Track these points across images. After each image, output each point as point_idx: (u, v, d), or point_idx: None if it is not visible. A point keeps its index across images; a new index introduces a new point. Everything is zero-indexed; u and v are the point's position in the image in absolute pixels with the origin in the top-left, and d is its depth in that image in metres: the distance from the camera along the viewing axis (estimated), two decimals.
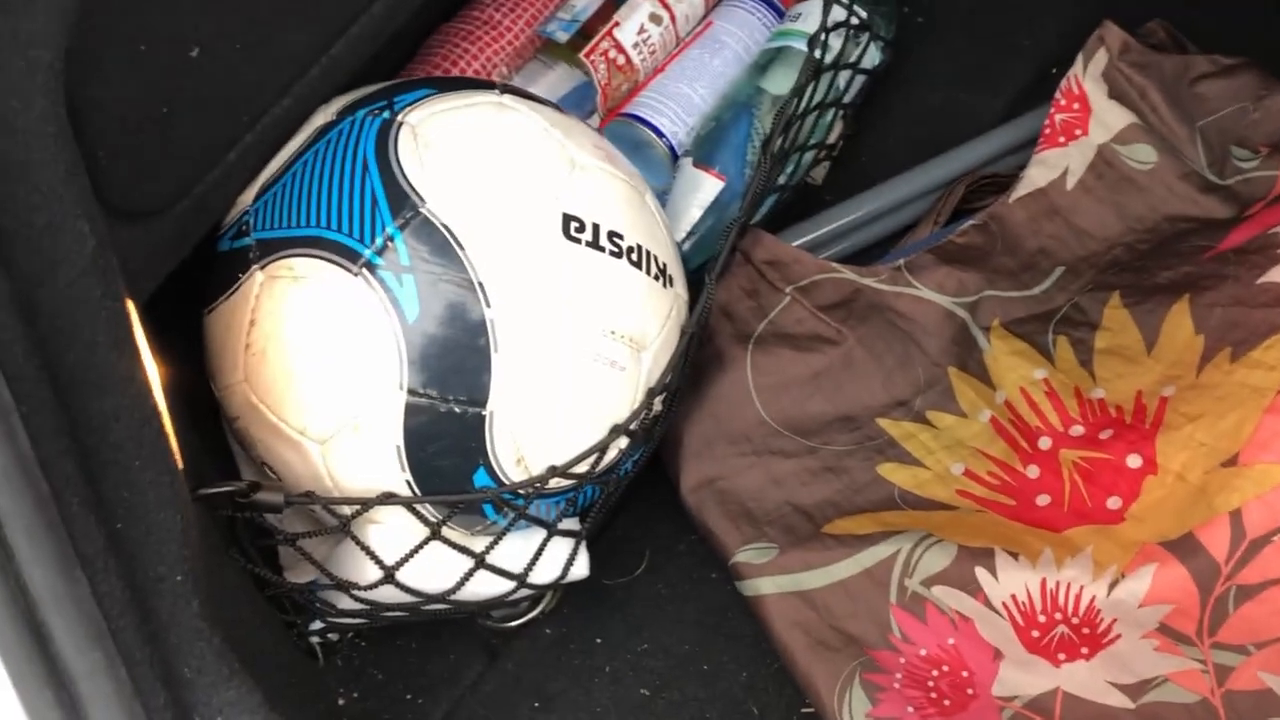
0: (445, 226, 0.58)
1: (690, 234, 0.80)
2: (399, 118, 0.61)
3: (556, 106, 0.67)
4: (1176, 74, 0.80)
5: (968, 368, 0.72)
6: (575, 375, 0.60)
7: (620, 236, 0.62)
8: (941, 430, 0.70)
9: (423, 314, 0.57)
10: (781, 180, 0.82)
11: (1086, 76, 0.79)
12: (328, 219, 0.58)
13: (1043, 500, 0.66)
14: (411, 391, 0.57)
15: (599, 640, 0.71)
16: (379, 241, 0.58)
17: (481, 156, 0.60)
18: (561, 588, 0.68)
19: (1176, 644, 0.59)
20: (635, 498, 0.73)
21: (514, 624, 0.71)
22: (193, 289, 0.65)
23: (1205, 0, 0.95)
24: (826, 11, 0.80)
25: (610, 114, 0.86)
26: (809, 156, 0.84)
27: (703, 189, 0.81)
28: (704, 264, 0.81)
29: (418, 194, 0.58)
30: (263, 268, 0.59)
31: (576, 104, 0.85)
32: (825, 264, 0.77)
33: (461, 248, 0.58)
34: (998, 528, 0.65)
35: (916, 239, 0.82)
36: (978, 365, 0.72)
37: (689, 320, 0.67)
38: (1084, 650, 0.61)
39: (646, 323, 0.63)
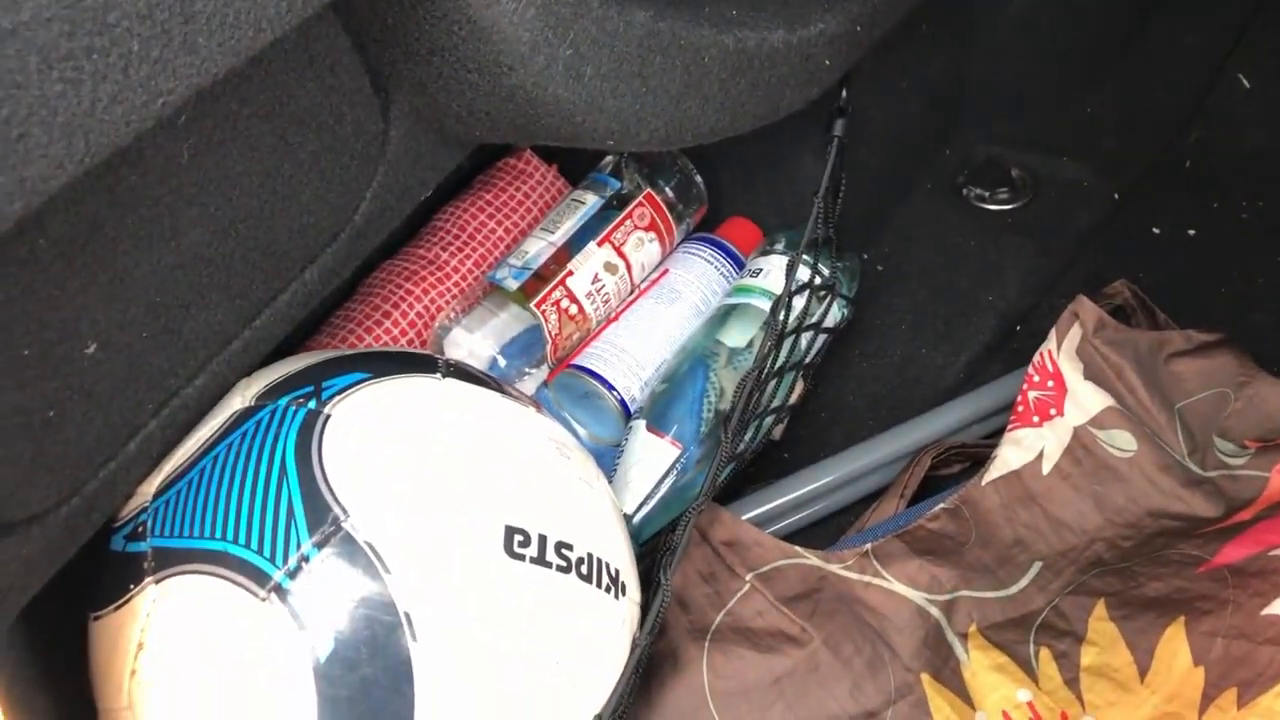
0: (369, 545, 0.49)
1: (642, 505, 0.73)
2: (326, 409, 0.53)
3: (501, 386, 0.59)
4: (1152, 351, 0.75)
5: (942, 677, 0.64)
6: (513, 718, 0.51)
7: (570, 547, 0.53)
8: None
9: (338, 649, 0.48)
10: (740, 448, 0.75)
11: (1061, 354, 0.73)
12: (235, 531, 0.50)
13: None
14: None
15: None
16: (292, 561, 0.49)
17: (417, 462, 0.52)
18: None
19: None
20: None
21: None
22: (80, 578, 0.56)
23: (1164, 256, 0.92)
24: (791, 275, 0.74)
25: (561, 364, 0.79)
26: (769, 420, 0.78)
27: (657, 457, 0.73)
28: (653, 536, 0.73)
29: (341, 505, 0.50)
30: (158, 582, 0.50)
31: (525, 347, 0.78)
32: (788, 548, 0.69)
33: (387, 571, 0.49)
34: None
35: (882, 516, 0.74)
36: (954, 677, 0.64)
37: (640, 631, 0.58)
38: None
39: (594, 644, 0.54)
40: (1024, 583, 0.67)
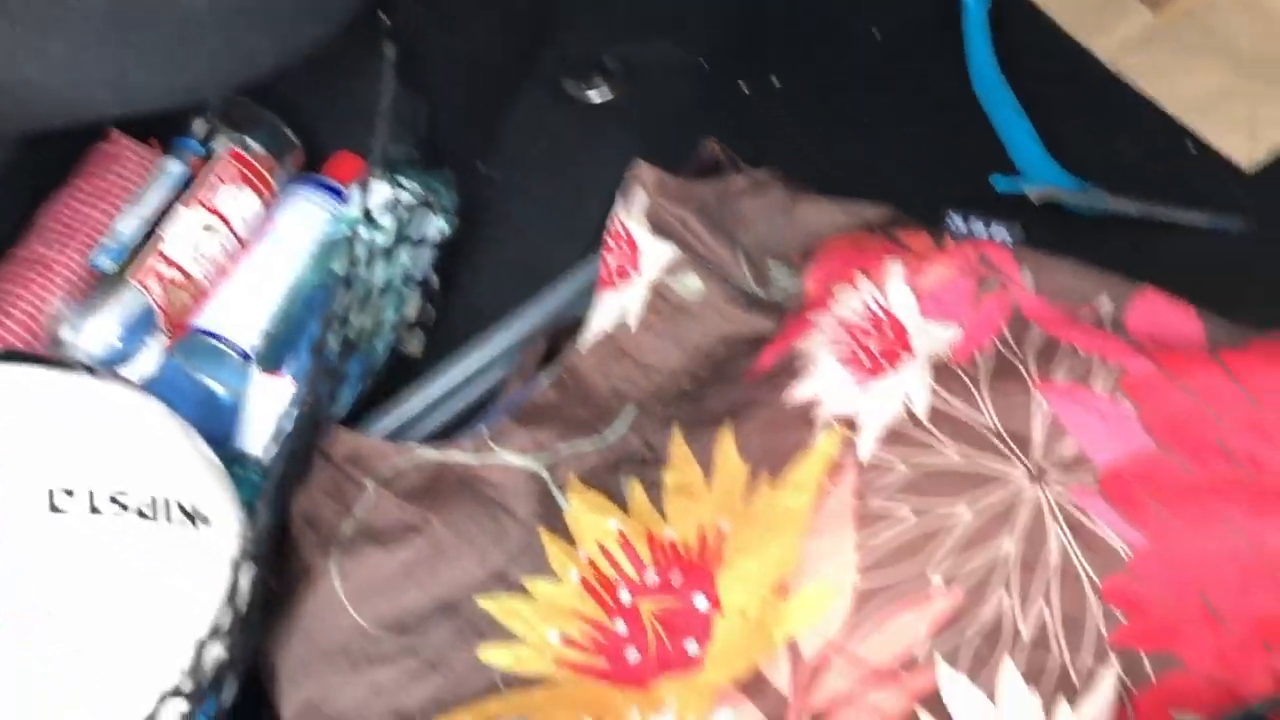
0: None
1: (272, 443, 0.74)
2: None
3: (58, 360, 0.60)
4: (719, 197, 0.79)
5: (554, 528, 0.68)
6: (81, 654, 0.52)
7: (125, 494, 0.55)
8: (539, 599, 0.66)
9: None
10: (359, 369, 0.77)
11: (630, 218, 0.77)
12: None
13: (633, 656, 0.62)
14: None
15: None
16: None
17: None
18: None
19: None
20: None
21: None
22: None
23: (755, 112, 0.97)
24: (365, 196, 0.76)
25: (178, 329, 0.80)
26: (391, 337, 0.80)
27: (275, 396, 0.75)
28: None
29: None
30: None
31: (147, 325, 0.79)
32: (407, 448, 0.72)
33: None
34: (591, 696, 0.61)
35: (506, 400, 0.78)
36: (560, 524, 0.68)
37: (238, 552, 0.60)
38: None
39: (171, 574, 0.56)
40: (620, 428, 0.71)
